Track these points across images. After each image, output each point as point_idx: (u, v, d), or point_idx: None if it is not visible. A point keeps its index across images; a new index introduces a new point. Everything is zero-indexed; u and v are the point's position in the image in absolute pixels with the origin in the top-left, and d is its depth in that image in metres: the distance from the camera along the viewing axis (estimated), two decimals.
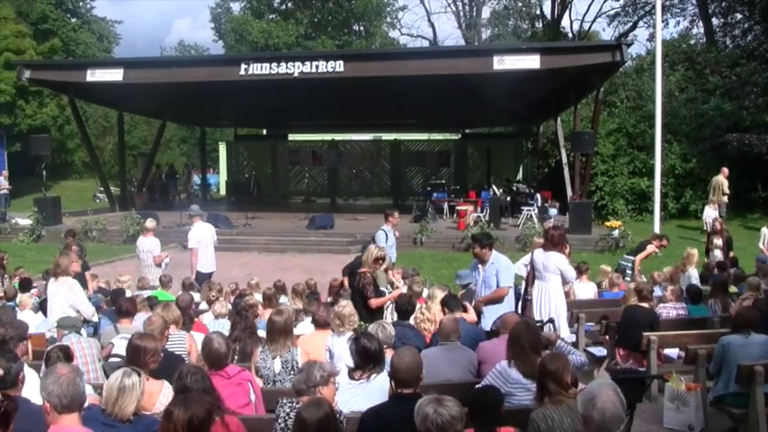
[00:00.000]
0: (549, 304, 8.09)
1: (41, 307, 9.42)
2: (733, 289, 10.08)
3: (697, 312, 8.93)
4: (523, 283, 8.91)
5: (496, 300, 7.98)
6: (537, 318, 7.66)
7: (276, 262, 17.61)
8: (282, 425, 4.30)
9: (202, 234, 12.32)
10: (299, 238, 20.14)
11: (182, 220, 20.09)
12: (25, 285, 10.55)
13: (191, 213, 12.88)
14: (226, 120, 34.63)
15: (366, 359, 4.98)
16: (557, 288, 8.24)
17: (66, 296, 7.93)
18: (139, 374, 4.01)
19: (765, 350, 6.20)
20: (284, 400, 4.43)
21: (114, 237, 20.52)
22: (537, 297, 8.23)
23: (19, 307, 9.33)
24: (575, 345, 8.63)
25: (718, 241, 14.03)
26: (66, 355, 5.29)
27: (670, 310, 8.90)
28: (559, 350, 5.46)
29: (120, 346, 5.90)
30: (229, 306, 8.52)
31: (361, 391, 4.90)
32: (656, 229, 18.52)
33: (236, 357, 6.42)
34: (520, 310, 8.46)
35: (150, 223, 12.81)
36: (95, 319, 8.00)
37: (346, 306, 6.56)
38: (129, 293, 10.01)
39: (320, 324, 6.70)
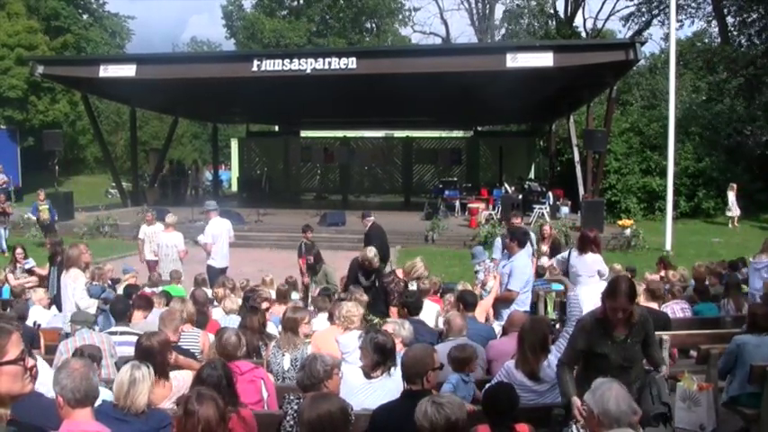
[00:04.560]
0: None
1: (54, 301, 9.43)
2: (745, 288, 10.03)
3: (707, 311, 8.88)
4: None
5: (506, 301, 7.95)
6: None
7: (287, 258, 17.56)
8: (291, 423, 4.28)
9: (219, 230, 12.35)
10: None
11: (193, 216, 20.14)
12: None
13: (207, 208, 12.85)
14: (238, 116, 34.68)
15: (384, 355, 4.91)
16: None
17: (71, 287, 7.94)
18: (148, 366, 4.03)
19: None
20: (291, 397, 4.41)
21: (126, 232, 20.56)
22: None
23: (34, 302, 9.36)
24: None
25: (545, 247, 13.47)
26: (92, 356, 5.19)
27: (674, 307, 8.80)
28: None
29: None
30: (240, 302, 8.51)
31: (381, 387, 4.82)
32: (669, 228, 18.43)
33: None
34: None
35: (171, 218, 12.84)
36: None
37: (352, 306, 6.50)
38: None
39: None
